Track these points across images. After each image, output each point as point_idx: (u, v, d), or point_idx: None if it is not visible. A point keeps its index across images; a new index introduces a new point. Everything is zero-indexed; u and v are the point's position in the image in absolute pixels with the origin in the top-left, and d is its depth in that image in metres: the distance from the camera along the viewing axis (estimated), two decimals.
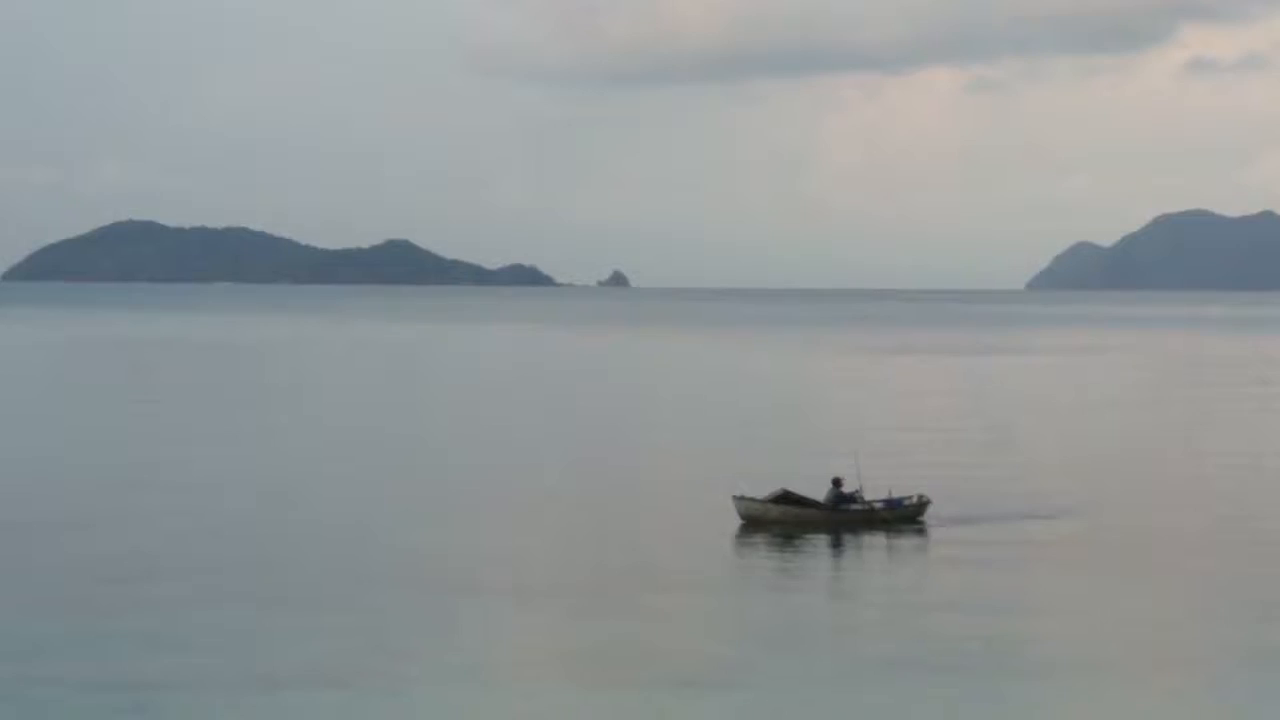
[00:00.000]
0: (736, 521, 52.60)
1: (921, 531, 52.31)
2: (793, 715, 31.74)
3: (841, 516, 52.72)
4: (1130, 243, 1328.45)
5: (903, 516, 53.14)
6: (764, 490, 53.78)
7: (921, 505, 53.64)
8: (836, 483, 53.42)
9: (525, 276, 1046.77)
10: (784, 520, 52.19)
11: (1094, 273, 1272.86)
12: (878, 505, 53.24)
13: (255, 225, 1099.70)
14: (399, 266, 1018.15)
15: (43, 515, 54.93)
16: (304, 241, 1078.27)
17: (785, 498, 52.85)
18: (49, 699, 31.87)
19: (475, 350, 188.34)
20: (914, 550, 49.96)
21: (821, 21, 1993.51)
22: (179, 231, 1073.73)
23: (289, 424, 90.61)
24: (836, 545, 50.28)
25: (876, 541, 50.87)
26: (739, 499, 53.22)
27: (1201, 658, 36.69)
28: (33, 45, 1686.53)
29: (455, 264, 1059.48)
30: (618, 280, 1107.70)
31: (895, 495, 53.83)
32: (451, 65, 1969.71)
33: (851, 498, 53.28)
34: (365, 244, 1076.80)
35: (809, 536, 50.90)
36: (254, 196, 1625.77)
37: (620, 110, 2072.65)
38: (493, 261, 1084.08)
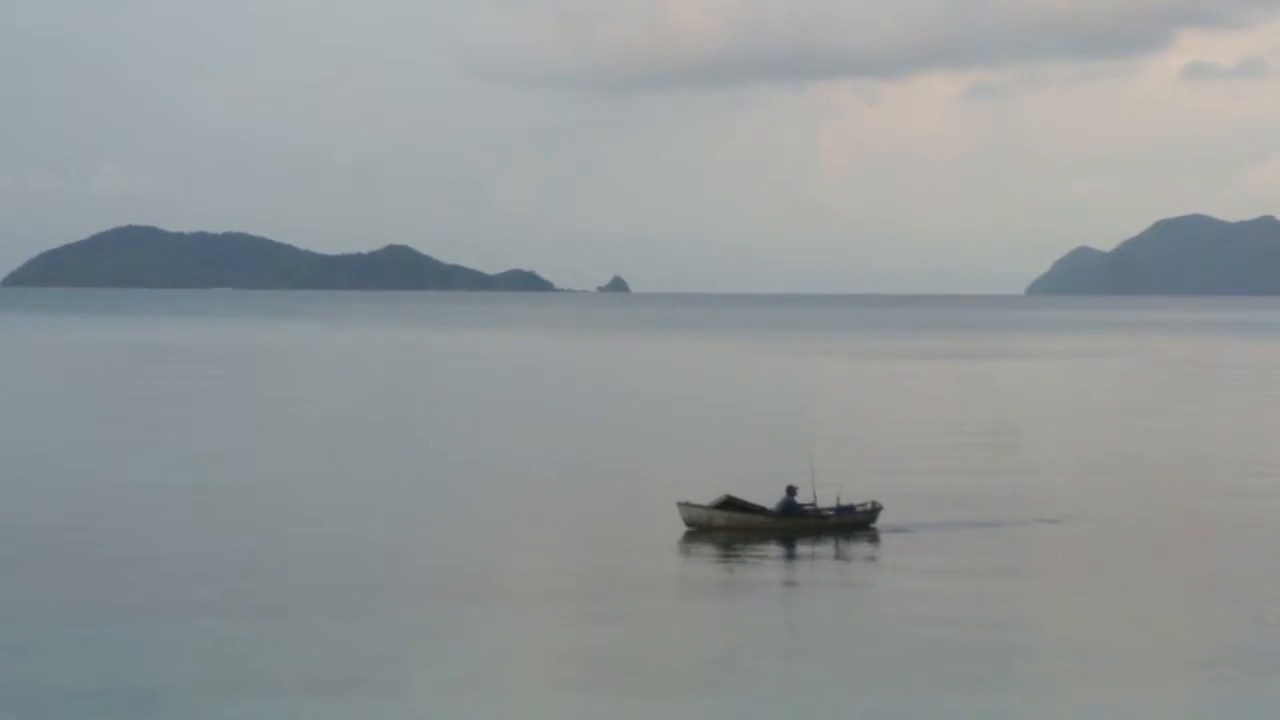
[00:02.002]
0: (682, 528, 52.35)
1: (874, 538, 51.89)
2: None
3: (789, 523, 52.41)
4: (1130, 247, 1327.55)
5: (854, 523, 52.74)
6: (709, 496, 53.54)
7: (874, 511, 53.26)
8: (790, 490, 53.07)
9: (525, 281, 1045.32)
10: (730, 527, 51.93)
11: (1094, 277, 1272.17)
12: (828, 512, 52.83)
13: (255, 230, 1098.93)
14: (399, 271, 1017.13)
15: (40, 521, 55.07)
16: (304, 246, 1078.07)
17: (729, 504, 52.57)
18: (46, 705, 31.96)
19: (471, 356, 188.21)
20: (863, 557, 49.61)
21: (820, 27, 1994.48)
22: (179, 237, 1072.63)
23: (286, 430, 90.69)
24: (784, 552, 49.92)
25: (825, 548, 50.55)
26: (683, 505, 52.92)
27: (1172, 665, 36.60)
28: (32, 50, 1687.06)
29: (455, 269, 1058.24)
30: (617, 285, 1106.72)
31: (846, 501, 53.36)
32: (451, 70, 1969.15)
33: (801, 507, 52.85)
34: (365, 249, 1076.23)
35: (756, 543, 50.65)
36: (253, 202, 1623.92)
37: (619, 115, 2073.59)
38: (492, 266, 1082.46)
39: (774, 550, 50.01)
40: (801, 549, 50.41)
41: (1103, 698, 33.32)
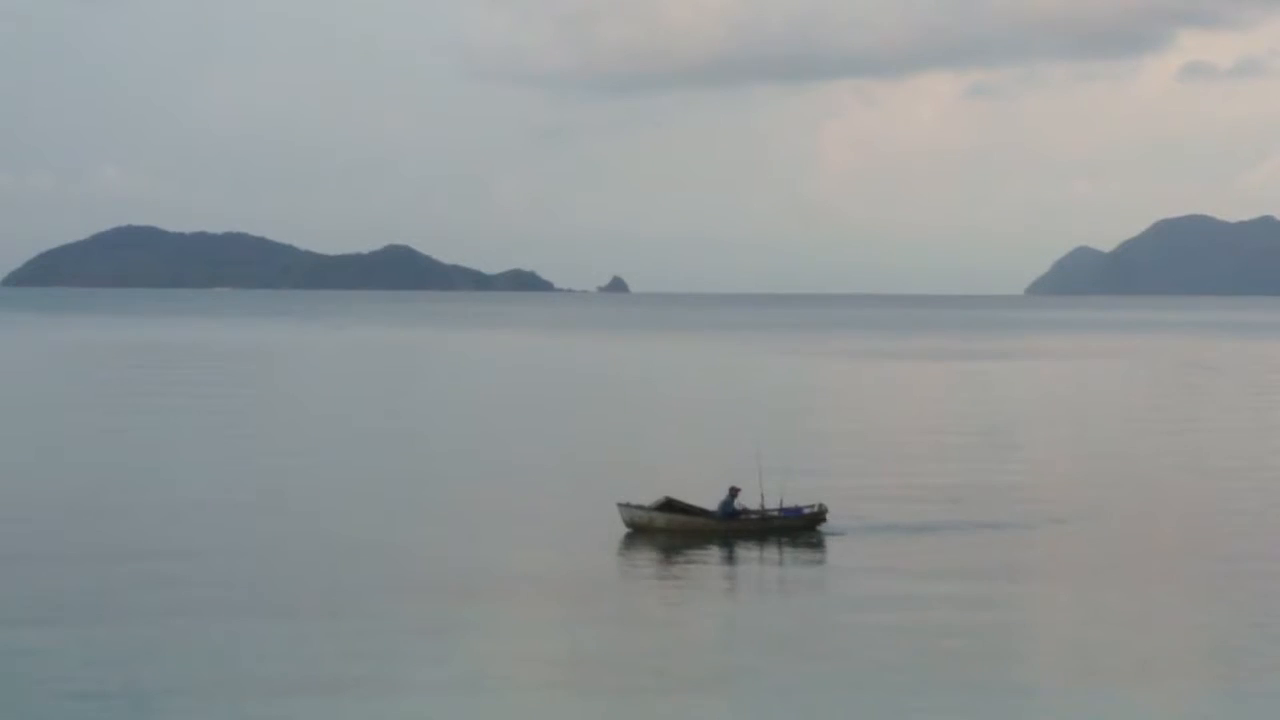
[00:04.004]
0: (622, 529, 52.09)
1: (819, 541, 51.34)
2: None
3: (732, 525, 52.01)
4: (1130, 247, 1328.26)
5: (799, 525, 52.26)
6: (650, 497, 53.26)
7: (820, 514, 52.80)
8: (733, 492, 52.62)
9: (524, 282, 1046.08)
10: (671, 529, 51.60)
11: (1093, 277, 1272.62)
12: (772, 513, 52.38)
13: (254, 230, 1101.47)
14: (398, 271, 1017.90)
15: (40, 521, 55.13)
16: (303, 247, 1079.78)
17: (669, 506, 52.24)
18: (47, 705, 31.96)
19: (469, 356, 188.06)
20: (806, 561, 49.11)
21: (819, 27, 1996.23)
22: (178, 237, 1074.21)
23: (285, 430, 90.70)
24: (724, 554, 49.45)
25: (769, 550, 50.11)
26: (623, 507, 52.66)
27: (1163, 666, 36.37)
28: (32, 50, 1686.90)
29: (454, 269, 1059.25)
30: (617, 286, 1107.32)
31: (790, 503, 52.85)
32: (450, 71, 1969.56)
33: (744, 509, 52.36)
34: (365, 249, 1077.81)
35: (697, 546, 50.18)
36: (253, 201, 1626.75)
37: (619, 116, 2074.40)
38: (492, 267, 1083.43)
39: (715, 553, 49.45)
40: (741, 550, 49.77)
41: (1092, 700, 33.23)
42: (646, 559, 48.73)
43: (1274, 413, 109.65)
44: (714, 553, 49.56)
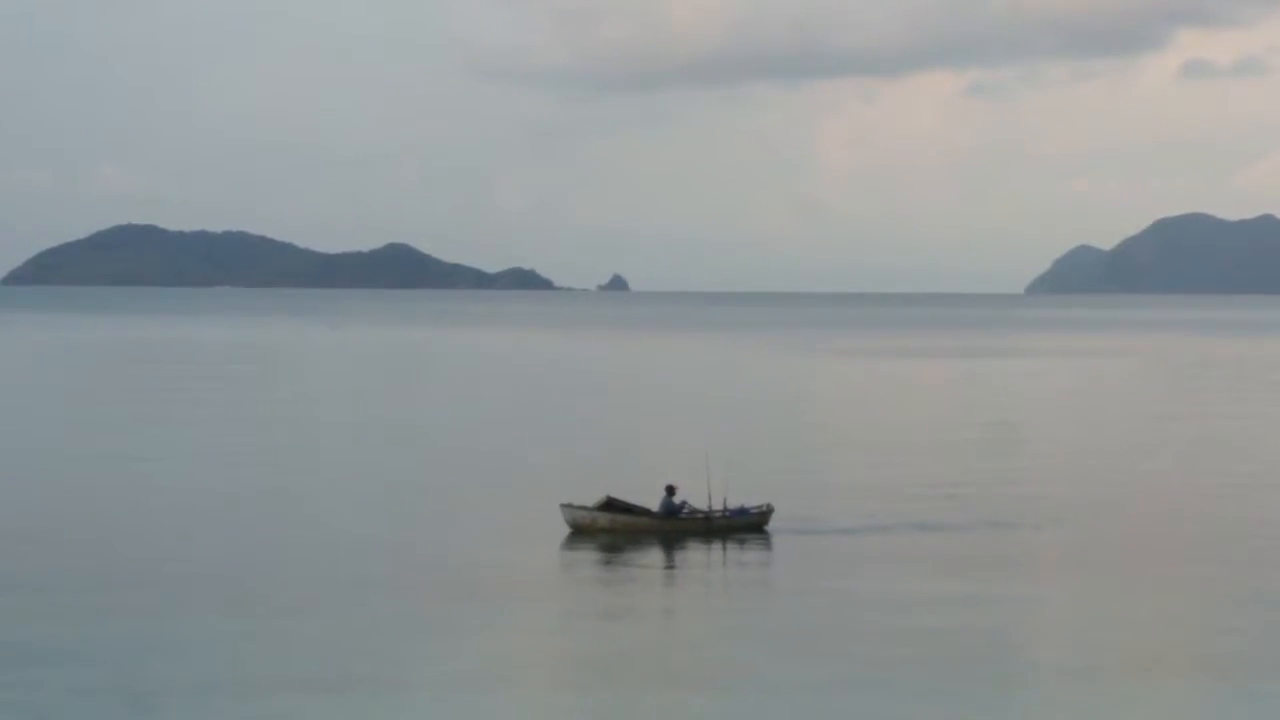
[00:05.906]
0: (565, 530, 52.04)
1: (765, 541, 51.14)
2: None
3: (676, 525, 51.89)
4: (1130, 246, 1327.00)
5: (743, 525, 52.12)
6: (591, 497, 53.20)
7: (766, 514, 52.70)
8: (669, 490, 52.49)
9: (525, 280, 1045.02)
10: (614, 529, 51.54)
11: (1094, 276, 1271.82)
12: (717, 513, 52.22)
13: (255, 229, 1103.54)
14: (399, 270, 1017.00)
15: (39, 519, 55.40)
16: (304, 245, 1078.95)
17: (610, 505, 52.17)
18: (47, 705, 32.21)
19: (467, 355, 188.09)
20: (749, 560, 49.02)
21: (819, 26, 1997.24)
22: (179, 235, 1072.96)
23: (282, 429, 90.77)
24: (665, 553, 49.32)
25: (713, 550, 49.95)
26: (565, 507, 52.64)
27: (1149, 666, 36.28)
28: (32, 48, 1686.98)
29: (455, 267, 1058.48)
30: (617, 284, 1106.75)
31: (735, 503, 52.70)
32: (451, 69, 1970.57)
33: (684, 505, 52.28)
34: (365, 248, 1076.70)
35: (640, 546, 50.08)
36: (254, 200, 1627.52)
37: (620, 114, 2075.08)
38: (492, 265, 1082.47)
39: (656, 552, 49.26)
40: (682, 551, 49.51)
41: (1092, 699, 33.18)
42: (586, 559, 48.65)
43: (1275, 412, 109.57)
44: (655, 552, 49.41)
